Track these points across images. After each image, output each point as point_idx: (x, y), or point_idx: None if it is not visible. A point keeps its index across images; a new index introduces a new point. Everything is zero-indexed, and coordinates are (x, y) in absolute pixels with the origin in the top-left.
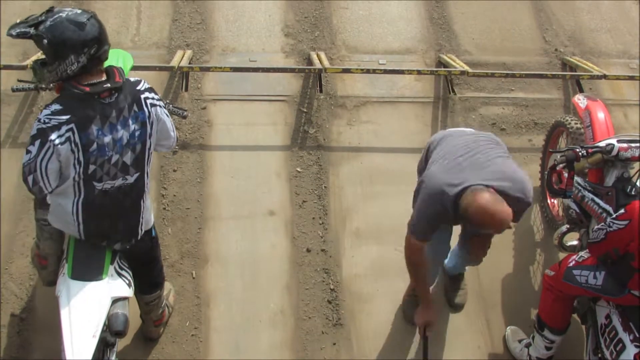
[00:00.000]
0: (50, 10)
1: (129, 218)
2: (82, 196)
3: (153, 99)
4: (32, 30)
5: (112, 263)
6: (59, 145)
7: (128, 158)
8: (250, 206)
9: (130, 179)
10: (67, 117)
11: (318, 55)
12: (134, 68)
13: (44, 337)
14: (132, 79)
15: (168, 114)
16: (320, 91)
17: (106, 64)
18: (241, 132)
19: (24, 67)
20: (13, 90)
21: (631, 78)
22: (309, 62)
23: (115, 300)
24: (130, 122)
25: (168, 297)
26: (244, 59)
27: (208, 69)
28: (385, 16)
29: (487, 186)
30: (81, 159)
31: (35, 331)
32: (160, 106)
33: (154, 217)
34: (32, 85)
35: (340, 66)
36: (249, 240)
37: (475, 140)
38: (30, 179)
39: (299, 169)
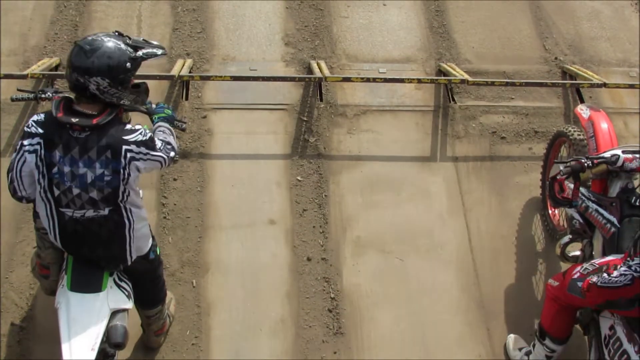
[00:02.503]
0: (111, 34)
1: (109, 247)
2: (56, 221)
3: (140, 153)
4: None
5: (111, 275)
6: (27, 153)
7: (95, 195)
8: (250, 215)
9: (104, 212)
10: (41, 131)
11: (318, 64)
12: (135, 77)
13: (44, 346)
14: (128, 127)
15: (160, 154)
16: (321, 100)
17: None
18: (241, 140)
19: (24, 77)
20: (12, 99)
21: (631, 86)
22: (309, 70)
23: (115, 312)
24: (97, 165)
25: (169, 306)
26: (244, 68)
27: (208, 78)
28: (385, 25)
29: None
30: (45, 173)
31: (36, 340)
32: (149, 159)
33: (152, 228)
34: (31, 95)
35: (340, 75)
36: (250, 249)
37: None
38: (9, 175)
39: (299, 178)
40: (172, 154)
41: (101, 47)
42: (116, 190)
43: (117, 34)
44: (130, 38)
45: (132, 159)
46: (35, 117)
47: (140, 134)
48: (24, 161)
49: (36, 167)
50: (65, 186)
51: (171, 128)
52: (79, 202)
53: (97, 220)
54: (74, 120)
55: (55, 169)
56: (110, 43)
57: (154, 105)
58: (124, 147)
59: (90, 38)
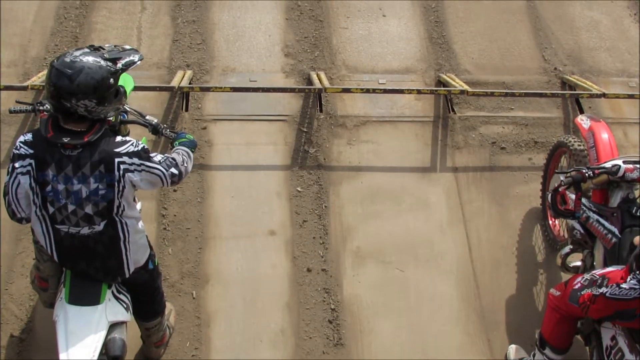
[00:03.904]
0: (97, 49)
1: (106, 261)
2: (52, 237)
3: (133, 164)
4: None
5: (109, 287)
6: (20, 175)
7: (90, 209)
8: (250, 226)
9: (98, 227)
10: (31, 151)
11: (318, 75)
12: (135, 89)
13: (44, 357)
14: (118, 139)
15: (159, 167)
16: (321, 111)
17: None
18: (241, 151)
19: (24, 88)
20: (10, 112)
21: (630, 97)
22: (309, 82)
23: (113, 325)
24: (91, 180)
25: (169, 317)
26: (244, 79)
27: (208, 89)
28: (385, 36)
29: None
30: (39, 193)
31: (35, 352)
32: (144, 170)
33: (152, 239)
34: (29, 107)
35: (340, 86)
36: (250, 260)
37: None
38: (5, 199)
39: (299, 189)
40: (173, 170)
41: (82, 68)
42: (111, 204)
43: (92, 48)
44: (104, 49)
45: (126, 170)
46: (22, 138)
47: (132, 144)
48: (18, 183)
49: (30, 188)
50: (60, 204)
51: (190, 152)
52: (74, 219)
53: (92, 237)
54: (65, 140)
55: (49, 187)
56: (90, 62)
57: (155, 120)
58: (117, 159)
59: (68, 59)
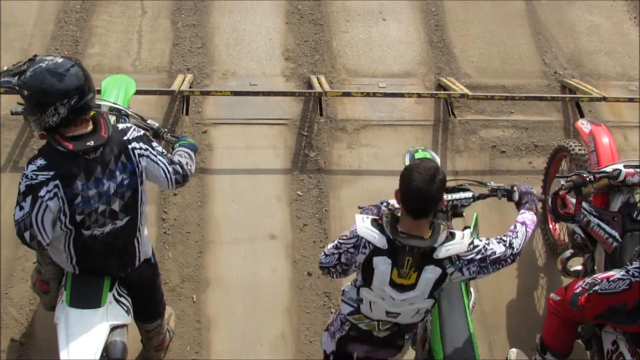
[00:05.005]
0: (32, 59)
1: (122, 255)
2: (72, 240)
3: (141, 148)
4: (14, 80)
5: (110, 290)
6: (48, 201)
7: (117, 205)
8: (251, 230)
9: (121, 223)
10: (52, 173)
11: (318, 79)
12: (136, 92)
13: None
14: (120, 126)
15: (162, 160)
16: (321, 114)
17: (108, 90)
18: (242, 155)
19: None
20: (12, 113)
21: (630, 100)
22: (309, 85)
23: (114, 328)
24: (117, 173)
25: (169, 321)
26: (245, 83)
27: (209, 93)
28: (385, 40)
29: None
30: (67, 210)
31: (36, 356)
32: (149, 155)
33: (153, 243)
34: None
35: (340, 89)
36: (250, 264)
37: None
38: (27, 235)
39: (299, 193)
40: (176, 167)
41: (67, 66)
42: (136, 192)
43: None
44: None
45: (141, 155)
46: (33, 167)
47: (134, 129)
48: (45, 210)
49: (59, 210)
50: (90, 209)
51: (191, 154)
52: (102, 219)
53: (114, 233)
54: (89, 144)
55: (78, 199)
56: (65, 62)
57: (156, 124)
58: (129, 146)
59: (51, 64)
